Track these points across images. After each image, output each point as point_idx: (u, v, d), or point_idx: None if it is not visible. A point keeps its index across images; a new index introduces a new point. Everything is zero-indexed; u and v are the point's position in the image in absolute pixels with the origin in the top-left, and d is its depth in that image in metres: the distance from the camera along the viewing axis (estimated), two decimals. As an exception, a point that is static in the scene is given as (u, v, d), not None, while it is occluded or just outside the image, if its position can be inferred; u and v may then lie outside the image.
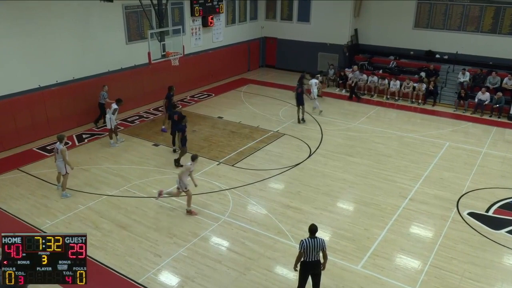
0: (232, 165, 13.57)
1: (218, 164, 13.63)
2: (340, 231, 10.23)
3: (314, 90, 18.15)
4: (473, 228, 10.40)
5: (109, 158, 13.94)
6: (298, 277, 7.80)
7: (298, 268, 7.73)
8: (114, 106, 14.62)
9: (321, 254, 7.58)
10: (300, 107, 16.76)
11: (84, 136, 15.73)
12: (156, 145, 14.90)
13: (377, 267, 9.03)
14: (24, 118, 14.74)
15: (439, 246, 9.74)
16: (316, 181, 12.57)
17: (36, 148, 14.67)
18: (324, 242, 7.50)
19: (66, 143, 14.88)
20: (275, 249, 9.58)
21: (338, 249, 9.58)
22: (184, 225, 10.42)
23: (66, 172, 11.43)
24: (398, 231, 10.28)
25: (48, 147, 14.65)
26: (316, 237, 7.47)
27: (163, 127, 15.59)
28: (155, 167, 13.32)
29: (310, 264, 7.54)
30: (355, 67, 20.68)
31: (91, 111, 16.67)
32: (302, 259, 7.55)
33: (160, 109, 17.93)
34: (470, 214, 11.00)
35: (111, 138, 14.84)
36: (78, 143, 15.15)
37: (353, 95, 20.26)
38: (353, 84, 20.31)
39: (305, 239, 7.46)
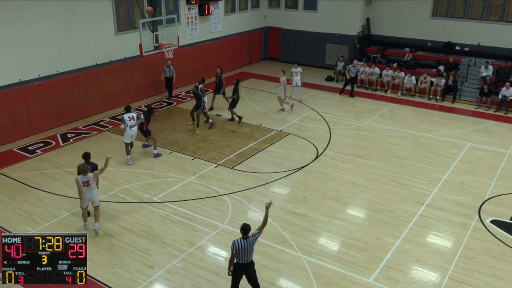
0: (232, 168, 13.58)
1: (216, 167, 13.64)
2: (350, 241, 10.24)
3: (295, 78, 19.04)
4: (497, 238, 10.39)
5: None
6: (231, 280, 8.03)
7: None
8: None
9: (253, 256, 7.90)
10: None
11: (69, 135, 15.77)
12: (147, 145, 14.91)
13: (390, 280, 9.03)
14: (3, 116, 14.77)
15: (459, 257, 9.74)
16: (324, 186, 12.58)
17: (16, 149, 14.71)
18: (254, 240, 7.77)
19: (49, 143, 15.11)
20: (278, 260, 9.59)
21: (348, 260, 9.58)
22: (179, 233, 10.44)
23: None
24: (414, 240, 10.28)
25: (29, 148, 14.71)
26: (249, 237, 7.71)
27: (146, 143, 15.15)
28: (146, 170, 13.35)
29: (243, 266, 7.81)
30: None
31: (77, 107, 16.75)
32: (236, 260, 7.79)
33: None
34: (493, 222, 10.99)
35: (128, 153, 13.71)
36: (63, 143, 15.19)
37: (345, 89, 20.46)
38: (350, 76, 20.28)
39: (237, 240, 7.69)
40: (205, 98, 16.32)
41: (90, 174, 10.02)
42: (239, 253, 7.68)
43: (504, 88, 18.48)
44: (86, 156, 10.79)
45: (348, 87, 20.34)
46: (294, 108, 18.16)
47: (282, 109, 18.05)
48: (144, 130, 13.97)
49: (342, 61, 22.34)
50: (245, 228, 7.73)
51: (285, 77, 17.61)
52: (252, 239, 7.77)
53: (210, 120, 16.52)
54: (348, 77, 20.20)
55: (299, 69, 19.14)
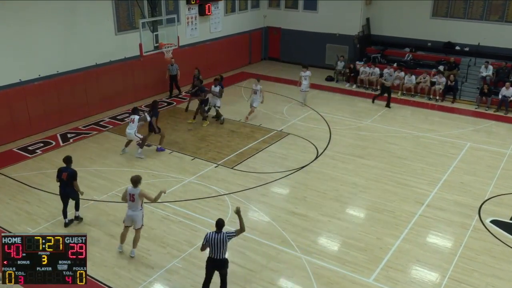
0: (232, 168, 13.59)
1: (216, 167, 13.65)
2: (350, 241, 10.24)
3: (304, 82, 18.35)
4: (497, 238, 10.39)
5: (96, 159, 13.97)
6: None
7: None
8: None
9: (227, 253, 8.05)
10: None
11: (69, 135, 15.76)
12: (148, 145, 14.91)
13: (390, 280, 9.03)
14: (3, 116, 14.76)
15: (459, 257, 9.74)
16: (324, 186, 12.59)
17: (17, 149, 14.70)
18: (227, 237, 7.86)
19: (49, 143, 15.12)
20: (279, 260, 9.59)
21: (348, 260, 9.58)
22: (179, 233, 10.44)
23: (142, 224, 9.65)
24: (414, 240, 10.28)
25: (29, 148, 14.71)
26: (221, 232, 7.87)
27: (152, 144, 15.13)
28: (147, 169, 13.35)
29: (215, 261, 7.98)
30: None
31: (77, 107, 16.76)
32: (208, 254, 7.99)
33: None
34: (493, 222, 11.00)
35: (126, 146, 14.29)
36: (63, 143, 15.19)
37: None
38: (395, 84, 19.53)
39: (210, 232, 7.95)
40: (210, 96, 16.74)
41: (139, 189, 9.15)
42: (210, 245, 7.87)
43: (504, 88, 18.49)
44: (67, 160, 10.32)
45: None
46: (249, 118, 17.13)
47: (247, 117, 17.14)
48: (153, 127, 14.06)
49: (342, 61, 22.35)
50: (218, 223, 7.91)
51: (260, 85, 16.98)
52: (226, 235, 7.86)
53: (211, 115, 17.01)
54: (387, 85, 18.86)
55: (308, 72, 18.38)
